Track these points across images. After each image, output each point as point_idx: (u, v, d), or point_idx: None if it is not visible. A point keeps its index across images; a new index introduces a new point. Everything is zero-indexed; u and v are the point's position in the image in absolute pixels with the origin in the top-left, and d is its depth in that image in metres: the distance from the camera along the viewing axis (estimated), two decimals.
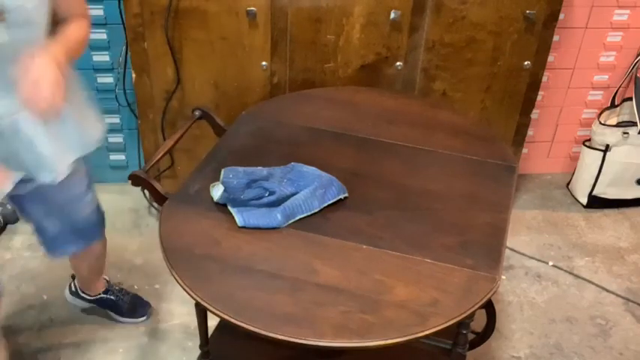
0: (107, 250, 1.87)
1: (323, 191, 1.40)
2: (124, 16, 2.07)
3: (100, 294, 1.98)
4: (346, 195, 1.42)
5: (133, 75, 2.13)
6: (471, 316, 1.21)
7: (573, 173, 2.72)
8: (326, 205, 1.39)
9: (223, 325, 1.70)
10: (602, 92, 2.62)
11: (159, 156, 1.52)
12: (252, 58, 2.09)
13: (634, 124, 2.47)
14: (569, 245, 2.45)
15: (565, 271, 2.32)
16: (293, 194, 1.39)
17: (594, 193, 2.62)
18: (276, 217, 1.33)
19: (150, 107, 2.20)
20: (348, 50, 2.10)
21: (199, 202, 1.39)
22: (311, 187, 1.39)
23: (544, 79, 2.36)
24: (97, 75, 2.38)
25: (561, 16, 2.25)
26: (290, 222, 1.34)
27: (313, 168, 1.46)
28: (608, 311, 2.16)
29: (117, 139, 2.54)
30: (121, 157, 2.59)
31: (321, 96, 1.85)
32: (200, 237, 1.30)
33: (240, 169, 1.44)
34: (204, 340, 1.59)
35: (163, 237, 1.30)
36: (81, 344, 1.96)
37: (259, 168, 1.45)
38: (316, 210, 1.38)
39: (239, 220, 1.33)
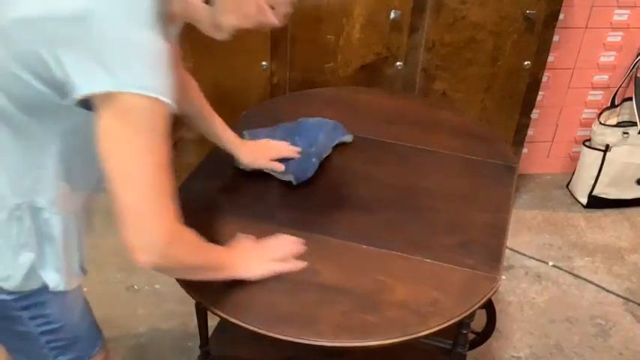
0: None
1: (332, 133, 1.58)
2: None
3: None
4: (351, 139, 1.60)
5: None
6: (471, 316, 1.21)
7: (573, 173, 2.72)
8: (337, 143, 1.56)
9: (223, 325, 1.70)
10: (602, 92, 2.62)
11: None
12: (252, 58, 2.09)
13: (634, 124, 2.47)
14: (569, 245, 2.45)
15: (565, 271, 2.32)
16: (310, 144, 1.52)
17: (594, 193, 2.62)
18: (312, 161, 1.46)
19: None
20: (348, 50, 2.10)
21: (199, 201, 1.39)
22: (323, 132, 1.55)
23: (544, 79, 2.36)
24: None
25: (561, 16, 2.25)
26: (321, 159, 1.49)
27: (318, 118, 1.61)
28: (608, 311, 2.16)
29: None
30: None
31: (321, 96, 1.85)
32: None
33: (259, 130, 1.56)
34: (204, 340, 1.58)
35: None
36: None
37: (271, 129, 1.57)
38: (331, 150, 1.54)
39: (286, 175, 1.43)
